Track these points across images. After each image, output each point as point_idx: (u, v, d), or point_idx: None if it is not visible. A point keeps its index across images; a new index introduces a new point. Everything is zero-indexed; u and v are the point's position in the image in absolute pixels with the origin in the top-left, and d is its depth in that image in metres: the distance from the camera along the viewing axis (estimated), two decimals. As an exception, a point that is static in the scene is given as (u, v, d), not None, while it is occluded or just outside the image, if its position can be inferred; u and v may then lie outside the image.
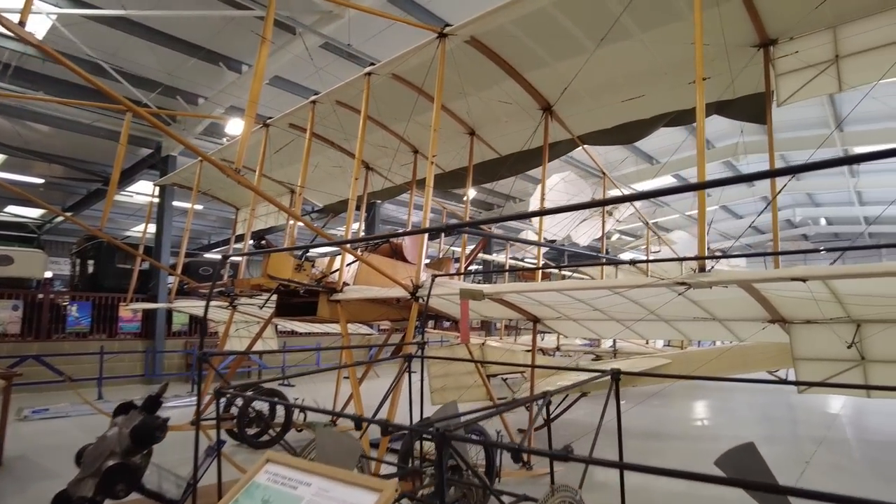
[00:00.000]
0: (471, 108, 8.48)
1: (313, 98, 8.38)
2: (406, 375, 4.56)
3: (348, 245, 6.82)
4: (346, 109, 8.66)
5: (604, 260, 12.69)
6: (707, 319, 5.73)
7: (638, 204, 25.53)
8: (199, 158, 11.09)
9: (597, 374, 3.02)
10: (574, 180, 21.26)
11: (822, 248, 36.98)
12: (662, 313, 5.72)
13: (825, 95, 12.03)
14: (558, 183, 20.35)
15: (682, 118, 7.78)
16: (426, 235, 8.46)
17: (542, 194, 8.30)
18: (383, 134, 9.43)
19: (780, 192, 6.40)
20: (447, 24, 6.63)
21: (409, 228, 10.04)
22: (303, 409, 8.30)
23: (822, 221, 36.46)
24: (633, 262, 15.16)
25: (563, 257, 32.24)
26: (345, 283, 6.90)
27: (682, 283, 3.89)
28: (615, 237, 35.12)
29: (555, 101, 7.97)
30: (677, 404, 13.53)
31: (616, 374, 2.87)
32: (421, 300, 5.85)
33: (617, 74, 7.27)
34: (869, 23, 5.62)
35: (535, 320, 7.11)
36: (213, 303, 8.88)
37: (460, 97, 8.05)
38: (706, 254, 4.02)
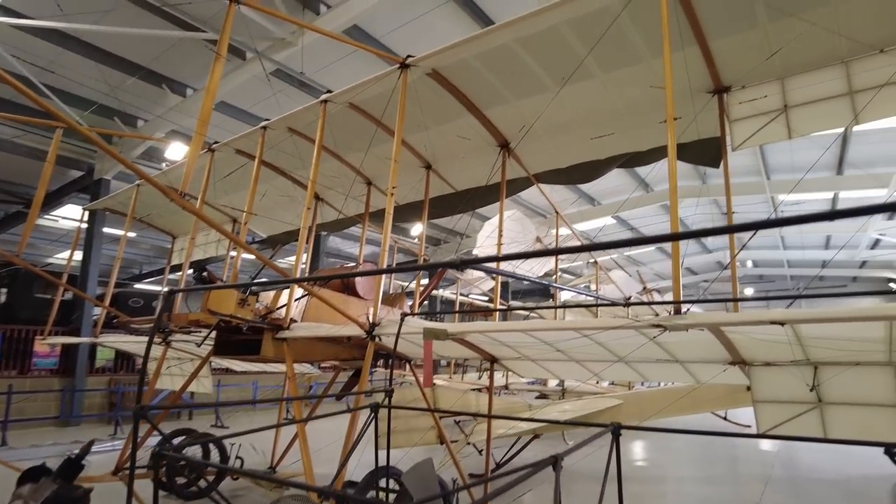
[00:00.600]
0: (428, 141, 8.36)
1: (264, 124, 8.03)
2: (373, 426, 4.17)
3: (300, 278, 6.42)
4: (299, 137, 8.35)
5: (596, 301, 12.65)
6: (669, 361, 5.66)
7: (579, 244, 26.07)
8: (137, 182, 10.48)
9: (598, 429, 2.79)
10: (520, 219, 21.48)
11: (799, 290, 39.01)
12: (625, 354, 5.62)
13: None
14: (504, 221, 20.38)
15: (637, 160, 7.91)
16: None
17: (500, 232, 8.21)
18: (336, 164, 9.15)
19: (742, 247, 6.50)
20: (409, 56, 6.50)
21: (360, 262, 9.68)
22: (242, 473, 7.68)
23: (749, 264, 38.54)
24: (627, 304, 15.20)
25: (511, 295, 32.45)
26: (292, 320, 6.45)
27: (658, 326, 3.77)
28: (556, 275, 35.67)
29: (513, 139, 7.96)
30: (624, 445, 13.49)
31: (616, 430, 2.65)
32: (379, 339, 5.51)
33: (575, 114, 7.31)
34: (813, 76, 5.90)
35: (493, 360, 6.87)
36: (143, 338, 8.17)
37: (418, 130, 7.91)
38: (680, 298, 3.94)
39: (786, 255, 32.81)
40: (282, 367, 11.09)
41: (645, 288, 28.06)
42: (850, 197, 21.54)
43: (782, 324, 3.42)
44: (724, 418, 14.99)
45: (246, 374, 17.13)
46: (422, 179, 8.88)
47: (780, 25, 5.54)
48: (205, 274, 5.78)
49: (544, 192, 9.42)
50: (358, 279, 7.62)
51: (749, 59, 5.97)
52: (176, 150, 13.44)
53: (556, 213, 11.55)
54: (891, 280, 34.67)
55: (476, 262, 3.57)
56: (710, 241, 31.96)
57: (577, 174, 8.35)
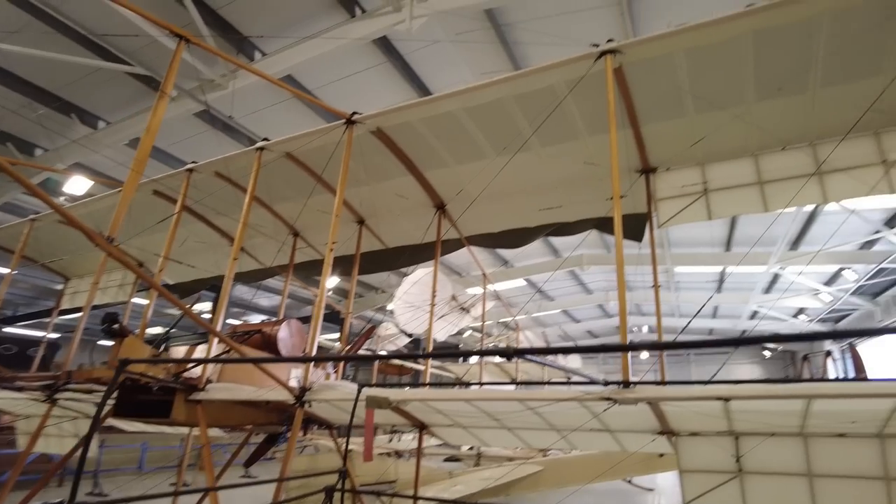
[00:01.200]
0: (364, 196, 8.27)
1: (190, 166, 7.59)
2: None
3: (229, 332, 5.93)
4: (226, 183, 7.97)
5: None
6: (601, 431, 5.72)
7: (490, 304, 26.58)
8: (31, 217, 9.46)
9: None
10: (440, 277, 21.49)
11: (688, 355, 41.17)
12: (561, 423, 5.63)
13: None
14: (422, 277, 20.45)
15: (564, 230, 8.24)
16: (301, 324, 7.77)
17: (434, 292, 8.15)
18: (262, 213, 8.79)
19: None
20: (356, 112, 6.47)
21: (281, 315, 9.16)
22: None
23: (645, 329, 40.89)
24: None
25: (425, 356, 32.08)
26: (208, 380, 5.91)
27: (608, 399, 3.81)
28: (467, 333, 35.99)
29: (449, 201, 8.05)
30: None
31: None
32: (308, 406, 5.15)
33: (511, 182, 7.51)
34: (730, 165, 6.50)
35: (423, 427, 6.64)
36: (22, 395, 7.16)
37: (354, 185, 7.81)
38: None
39: (679, 322, 35.19)
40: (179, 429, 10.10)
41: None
42: (737, 271, 23.70)
43: (727, 399, 3.58)
44: (629, 482, 15.40)
45: (138, 433, 15.42)
46: (354, 234, 8.71)
47: (705, 117, 6.10)
48: (115, 326, 5.19)
49: (474, 254, 9.55)
50: (281, 337, 7.18)
51: (675, 145, 6.48)
52: (77, 184, 12.35)
53: (483, 275, 11.69)
54: (766, 348, 38.06)
55: (531, 353, 3.44)
56: (610, 305, 33.67)
57: (508, 240, 8.55)
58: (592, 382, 3.82)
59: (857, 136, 5.88)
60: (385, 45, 11.37)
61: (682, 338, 35.66)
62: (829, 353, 14.58)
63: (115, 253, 4.02)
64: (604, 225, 7.89)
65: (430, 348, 8.55)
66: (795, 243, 19.52)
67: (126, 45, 10.36)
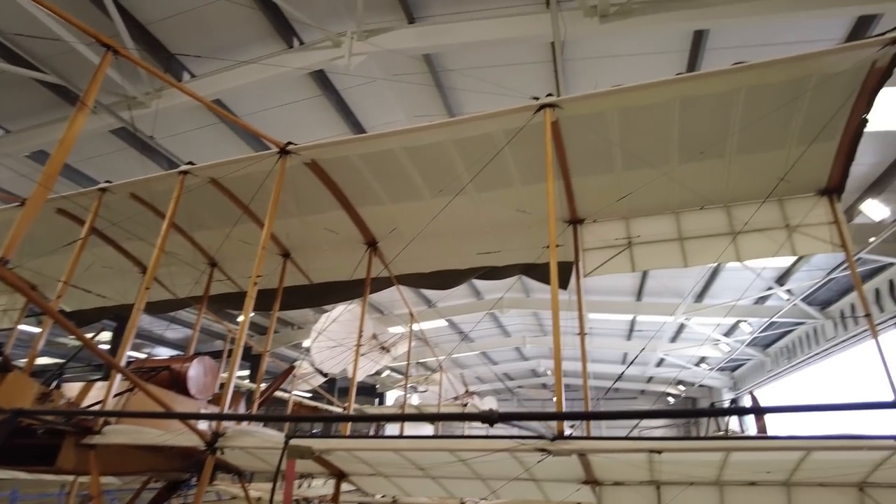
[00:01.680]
0: (291, 229, 7.97)
1: (103, 185, 7.03)
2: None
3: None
4: (140, 206, 7.44)
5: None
6: (526, 480, 5.65)
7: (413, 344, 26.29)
8: None
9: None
10: (358, 315, 21.10)
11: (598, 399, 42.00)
12: (486, 472, 5.51)
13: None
14: (343, 313, 19.96)
15: (492, 274, 8.31)
16: (213, 361, 7.25)
17: (361, 331, 7.90)
18: (178, 240, 8.24)
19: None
20: (290, 143, 6.27)
21: (193, 350, 8.52)
22: None
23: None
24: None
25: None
26: (105, 422, 5.32)
27: (543, 451, 3.75)
28: (385, 373, 35.32)
29: (381, 239, 7.93)
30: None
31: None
32: (221, 453, 4.73)
33: (445, 224, 7.52)
34: (653, 220, 6.85)
35: (341, 476, 6.28)
36: None
37: (283, 216, 7.52)
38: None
39: (589, 367, 36.23)
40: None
41: (467, 391, 28.81)
42: (645, 320, 24.91)
43: (659, 452, 3.63)
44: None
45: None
46: (277, 267, 8.34)
47: (632, 174, 6.41)
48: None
49: (402, 294, 9.41)
50: (191, 374, 6.64)
51: (602, 199, 6.77)
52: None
53: (411, 314, 11.55)
54: (668, 394, 39.91)
55: (513, 418, 3.28)
56: (527, 349, 34.26)
57: (438, 281, 8.49)
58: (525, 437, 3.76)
59: (766, 202, 6.39)
60: (321, 78, 11.28)
61: (592, 382, 36.28)
62: (733, 402, 15.45)
63: (10, 277, 3.56)
64: (531, 271, 8.01)
65: (354, 391, 8.22)
66: (700, 296, 20.85)
67: (38, 49, 9.61)
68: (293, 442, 4.03)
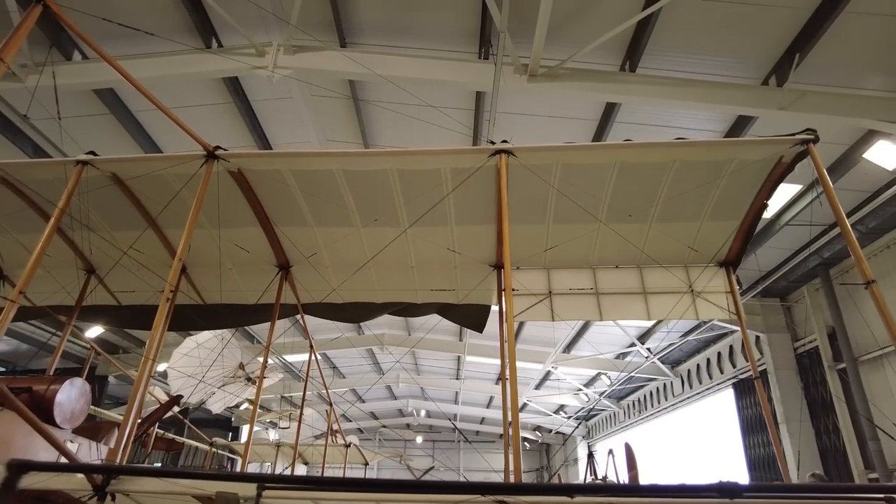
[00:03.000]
0: (193, 241, 7.18)
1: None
2: None
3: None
4: (15, 194, 6.31)
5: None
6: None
7: (279, 377, 24.89)
8: None
9: None
10: (224, 341, 19.79)
11: (460, 441, 41.81)
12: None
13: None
14: (210, 339, 18.46)
15: (409, 311, 8.13)
16: (87, 384, 6.19)
17: (265, 362, 7.23)
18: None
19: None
20: (219, 147, 5.71)
21: (52, 369, 7.19)
22: None
23: (423, 413, 41.67)
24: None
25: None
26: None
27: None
28: (244, 406, 32.85)
29: (295, 263, 7.43)
30: None
31: None
32: (112, 500, 3.94)
33: (371, 255, 7.25)
34: (572, 274, 7.14)
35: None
36: None
37: (181, 226, 6.76)
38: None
39: (456, 409, 36.55)
40: None
41: (335, 431, 27.81)
42: (519, 366, 25.76)
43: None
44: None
45: None
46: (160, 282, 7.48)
47: (560, 228, 6.66)
48: None
49: (305, 323, 8.85)
50: (59, 399, 5.57)
51: (530, 247, 6.94)
52: None
53: (311, 345, 10.90)
54: (525, 439, 41.42)
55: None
56: (398, 388, 33.82)
57: (351, 313, 8.11)
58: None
59: (673, 267, 6.95)
60: (234, 85, 10.57)
61: (458, 424, 36.31)
62: (610, 452, 16.38)
63: None
64: (448, 311, 7.95)
65: (252, 431, 7.45)
66: (569, 347, 22.10)
67: None
68: (218, 489, 3.48)
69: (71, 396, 5.75)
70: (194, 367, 18.25)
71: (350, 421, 40.06)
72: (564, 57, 8.86)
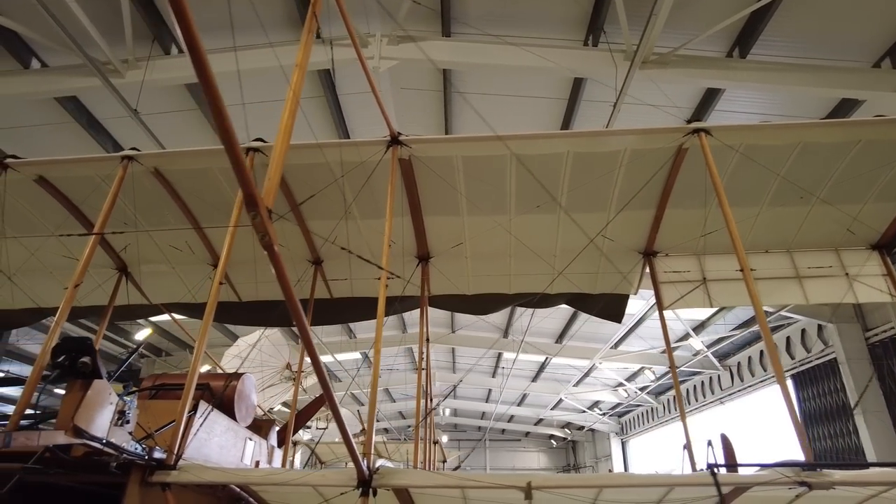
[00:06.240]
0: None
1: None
2: None
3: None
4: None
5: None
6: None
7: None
8: None
9: None
10: (276, 341, 19.80)
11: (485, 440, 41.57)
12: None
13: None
14: (261, 339, 18.49)
15: (539, 302, 7.93)
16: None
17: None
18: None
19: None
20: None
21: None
22: None
23: (447, 412, 41.34)
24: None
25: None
26: (178, 456, 4.05)
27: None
28: (277, 408, 32.67)
29: (435, 255, 7.28)
30: None
31: None
32: (374, 495, 3.77)
33: (514, 243, 7.08)
34: (726, 259, 6.95)
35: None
36: None
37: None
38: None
39: (485, 407, 36.31)
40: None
41: (363, 430, 27.72)
42: (558, 363, 25.51)
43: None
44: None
45: None
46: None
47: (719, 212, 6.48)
48: (85, 360, 3.26)
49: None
50: (241, 392, 5.39)
51: (683, 233, 6.77)
52: None
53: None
54: (553, 436, 41.27)
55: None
56: (435, 386, 33.51)
57: (479, 304, 7.93)
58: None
59: (825, 250, 6.80)
60: (327, 79, 10.42)
61: (482, 423, 35.93)
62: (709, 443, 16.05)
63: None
64: (578, 301, 7.79)
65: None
66: (618, 343, 21.94)
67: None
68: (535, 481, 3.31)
69: (246, 392, 5.58)
70: (247, 367, 18.19)
71: (378, 421, 39.82)
72: (671, 44, 8.75)
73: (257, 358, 17.62)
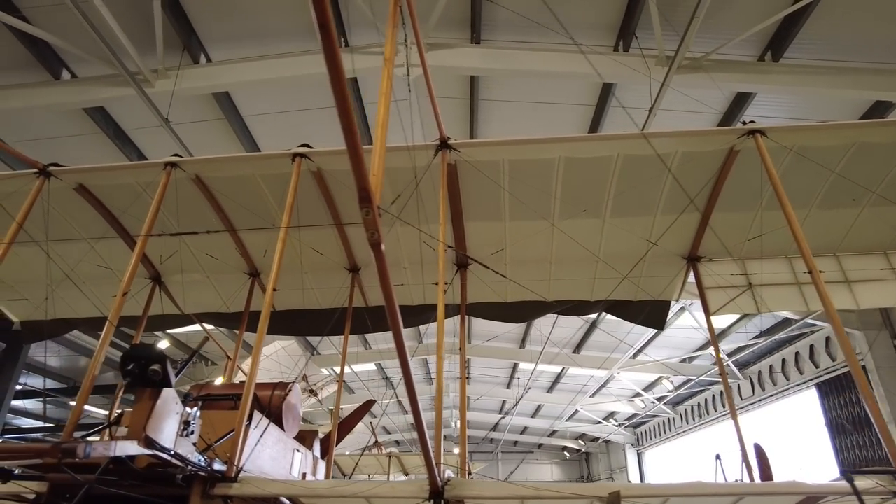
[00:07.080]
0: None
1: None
2: None
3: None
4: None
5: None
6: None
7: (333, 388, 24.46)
8: None
9: None
10: (293, 352, 19.70)
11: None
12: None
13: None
14: (278, 350, 18.50)
15: (577, 309, 7.84)
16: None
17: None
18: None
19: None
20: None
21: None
22: None
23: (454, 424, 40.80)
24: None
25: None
26: (238, 468, 3.93)
27: None
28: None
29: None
30: None
31: None
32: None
33: (556, 249, 6.98)
34: (772, 263, 6.82)
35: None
36: None
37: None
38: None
39: (496, 419, 35.89)
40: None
41: (376, 442, 27.65)
42: (574, 373, 25.23)
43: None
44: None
45: None
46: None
47: (770, 216, 6.34)
48: (156, 368, 3.17)
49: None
50: (286, 405, 5.27)
51: (729, 237, 6.62)
52: None
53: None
54: (566, 448, 40.78)
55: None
56: (448, 398, 33.26)
57: (517, 312, 7.80)
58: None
59: (874, 254, 6.64)
60: (353, 88, 10.38)
61: (492, 434, 35.46)
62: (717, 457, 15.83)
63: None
64: (619, 308, 7.65)
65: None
66: (637, 352, 21.63)
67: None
68: (610, 489, 3.18)
69: (293, 402, 5.47)
70: (262, 378, 18.08)
71: (389, 433, 39.51)
72: (703, 49, 8.68)
73: (275, 369, 17.50)
